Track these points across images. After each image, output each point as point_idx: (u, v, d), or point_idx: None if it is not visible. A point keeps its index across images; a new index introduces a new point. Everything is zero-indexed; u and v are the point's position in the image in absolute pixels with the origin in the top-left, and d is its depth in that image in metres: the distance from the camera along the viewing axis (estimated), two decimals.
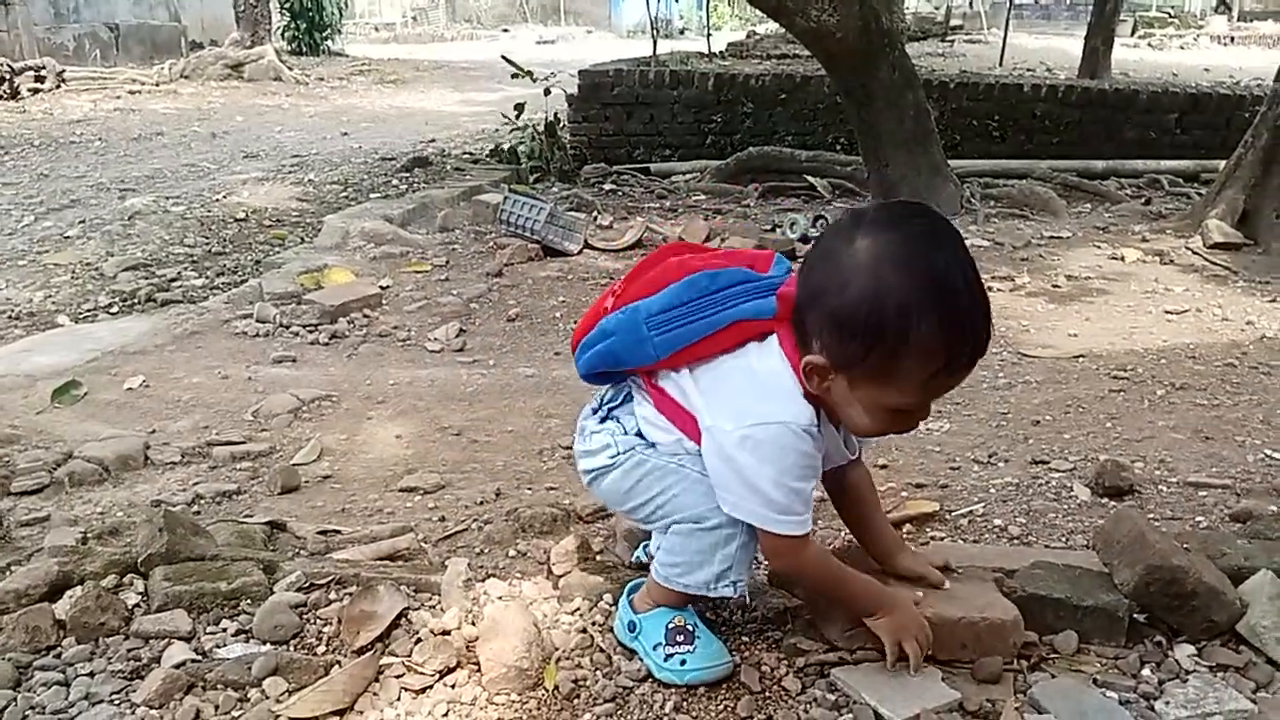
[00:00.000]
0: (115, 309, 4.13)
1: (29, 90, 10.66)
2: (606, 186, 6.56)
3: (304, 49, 15.88)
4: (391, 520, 2.21)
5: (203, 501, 2.32)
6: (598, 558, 1.83)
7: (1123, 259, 4.58)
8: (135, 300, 4.20)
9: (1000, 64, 9.80)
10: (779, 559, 1.46)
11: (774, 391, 1.37)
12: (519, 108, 7.32)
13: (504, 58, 7.35)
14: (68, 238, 5.19)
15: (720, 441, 1.38)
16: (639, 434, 1.52)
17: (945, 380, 1.30)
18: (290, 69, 12.96)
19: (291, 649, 1.59)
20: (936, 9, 14.42)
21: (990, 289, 4.07)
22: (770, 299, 1.41)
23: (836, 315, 1.28)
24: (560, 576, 1.76)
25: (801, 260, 1.42)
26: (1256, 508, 2.11)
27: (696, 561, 1.45)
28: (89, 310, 4.11)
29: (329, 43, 16.37)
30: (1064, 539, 2.02)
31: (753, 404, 1.37)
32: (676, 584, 1.48)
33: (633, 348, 1.46)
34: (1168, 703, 1.42)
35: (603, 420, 1.57)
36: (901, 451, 2.53)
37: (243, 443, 2.64)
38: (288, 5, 15.96)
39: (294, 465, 2.49)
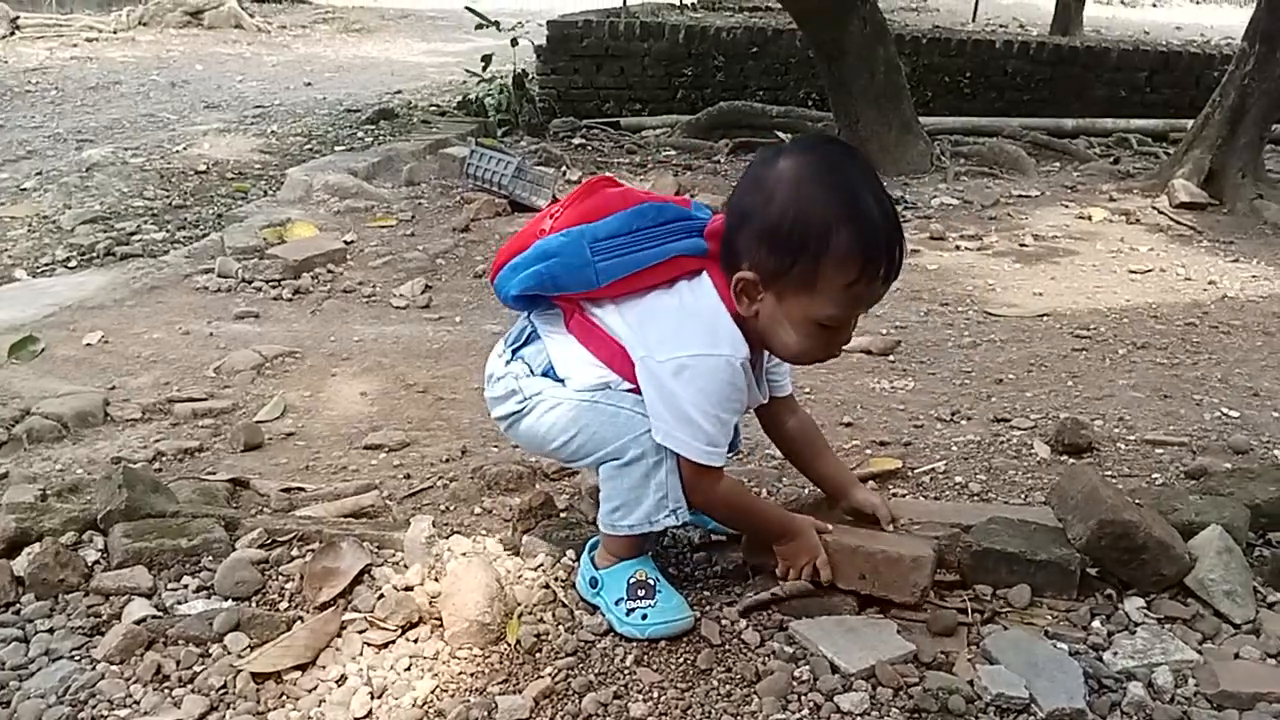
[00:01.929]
0: (73, 263, 4.05)
1: None
2: (575, 141, 6.49)
3: None
4: (356, 478, 2.20)
5: (164, 459, 2.30)
6: (562, 514, 1.84)
7: (1089, 218, 4.61)
8: (94, 254, 4.12)
9: (973, 19, 9.75)
10: (697, 491, 1.48)
11: (712, 325, 1.43)
12: (486, 60, 7.19)
13: (468, 8, 7.19)
14: (24, 190, 5.06)
15: (655, 371, 1.42)
16: (547, 373, 1.53)
17: (864, 291, 1.38)
18: (252, 16, 12.62)
19: (253, 605, 1.59)
20: None
21: (958, 248, 4.17)
22: (700, 238, 1.47)
23: (764, 229, 1.37)
24: (524, 533, 1.76)
25: (730, 190, 1.50)
26: (1211, 465, 2.16)
27: (633, 499, 1.47)
28: (46, 264, 4.03)
29: None
30: (1023, 496, 2.05)
31: (691, 336, 1.42)
32: (622, 528, 1.49)
33: (574, 271, 1.47)
34: (1115, 653, 1.46)
35: (508, 363, 1.58)
36: (866, 410, 2.55)
37: (205, 399, 2.61)
38: None
39: (257, 422, 2.47)
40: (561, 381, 1.51)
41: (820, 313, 1.38)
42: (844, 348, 1.50)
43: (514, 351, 1.58)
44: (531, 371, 1.54)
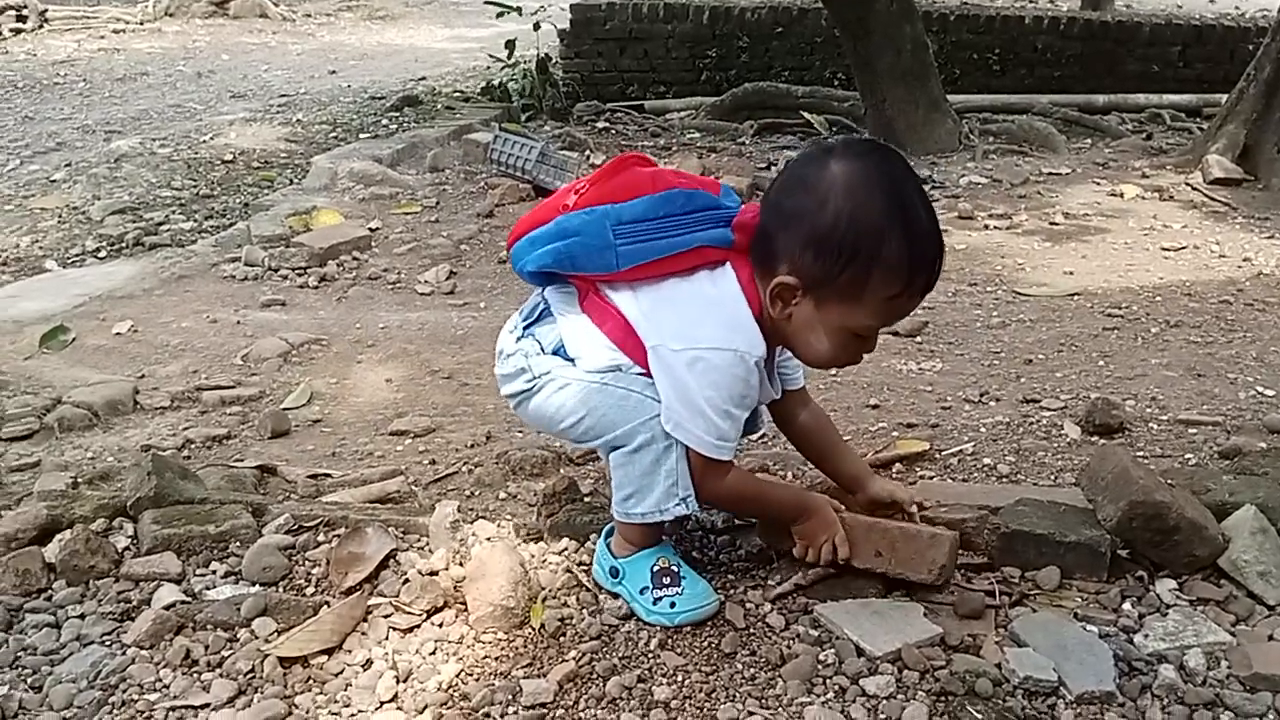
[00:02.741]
0: (103, 253, 4.09)
1: (10, 30, 10.42)
2: (599, 125, 6.46)
3: None
4: (382, 464, 2.22)
5: (193, 446, 2.32)
6: (586, 499, 1.84)
7: (1121, 196, 4.53)
8: (123, 244, 4.17)
9: None
10: (706, 485, 1.45)
11: (732, 319, 1.40)
12: (510, 45, 7.17)
13: (488, 1, 7.18)
14: (54, 181, 5.12)
15: (668, 360, 1.40)
16: (557, 351, 1.50)
17: (904, 303, 1.37)
18: (276, 5, 12.64)
19: (280, 590, 1.60)
20: None
21: (986, 227, 4.12)
22: (727, 229, 1.44)
23: (814, 233, 1.34)
24: (548, 518, 1.76)
25: (768, 187, 1.46)
26: (1245, 444, 2.12)
27: (644, 486, 1.45)
28: (76, 255, 4.08)
29: None
30: (1053, 477, 2.03)
31: (708, 328, 1.40)
32: (635, 516, 1.47)
33: (594, 253, 1.44)
34: (1146, 635, 1.44)
35: (519, 340, 1.54)
36: (893, 391, 2.53)
37: (232, 387, 2.64)
38: None
39: (284, 409, 2.49)
40: (572, 361, 1.49)
41: (859, 323, 1.37)
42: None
43: (526, 328, 1.55)
44: (542, 349, 1.51)
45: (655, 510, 1.46)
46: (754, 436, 1.93)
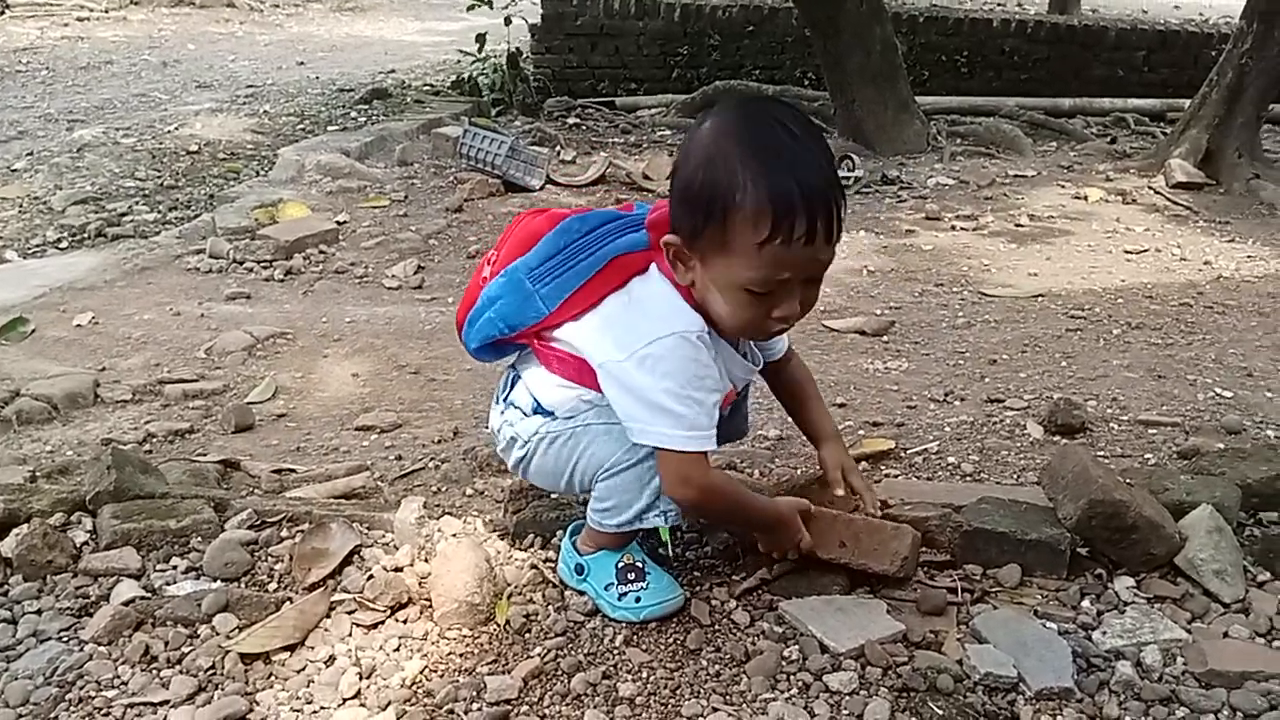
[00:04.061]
0: (64, 244, 4.02)
1: None
2: (570, 120, 6.45)
3: None
4: (347, 459, 2.20)
5: (154, 440, 2.29)
6: (552, 495, 1.83)
7: (1086, 198, 4.60)
8: (84, 235, 4.09)
9: None
10: (685, 486, 1.39)
11: (660, 308, 1.39)
12: (480, 39, 7.13)
13: None
14: (14, 171, 5.02)
15: (615, 374, 1.39)
16: (536, 409, 1.52)
17: (783, 252, 1.27)
18: None
19: (242, 586, 1.58)
20: None
21: (953, 228, 4.15)
22: (642, 232, 1.43)
23: (680, 189, 1.34)
24: (515, 514, 1.76)
25: None
26: (1203, 445, 2.16)
27: (625, 501, 1.45)
28: (37, 245, 4.00)
29: None
30: (1015, 476, 2.05)
31: (642, 325, 1.38)
32: (609, 526, 1.48)
33: (520, 307, 1.46)
34: (1105, 632, 1.46)
35: (503, 413, 1.58)
36: (859, 390, 2.54)
37: (195, 381, 2.60)
38: None
39: (248, 404, 2.46)
40: (552, 414, 1.50)
41: (742, 276, 1.30)
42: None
43: (505, 400, 1.58)
44: (524, 414, 1.53)
45: (634, 520, 1.46)
46: (731, 441, 1.93)
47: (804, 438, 2.22)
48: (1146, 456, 2.17)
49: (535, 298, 1.45)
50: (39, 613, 1.52)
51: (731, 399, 1.56)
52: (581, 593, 1.54)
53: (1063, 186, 4.84)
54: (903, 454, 2.16)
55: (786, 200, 1.25)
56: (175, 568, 1.62)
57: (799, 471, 2.03)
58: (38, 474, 2.00)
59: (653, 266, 1.43)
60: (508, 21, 6.92)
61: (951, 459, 2.14)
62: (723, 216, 1.28)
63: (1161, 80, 7.07)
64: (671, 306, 1.39)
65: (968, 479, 2.05)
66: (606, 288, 1.43)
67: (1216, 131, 4.86)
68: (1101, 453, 2.17)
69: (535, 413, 1.52)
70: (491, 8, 7.04)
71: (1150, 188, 4.69)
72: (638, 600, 1.47)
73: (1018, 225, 4.21)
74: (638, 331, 1.37)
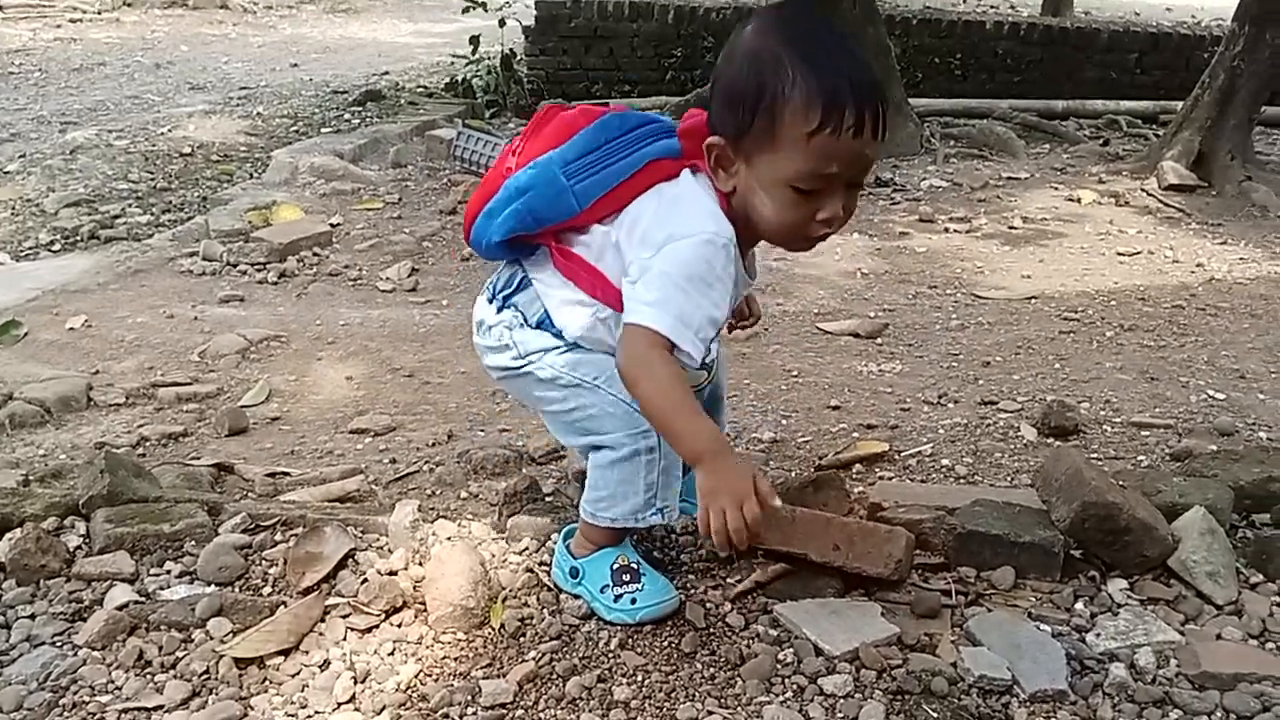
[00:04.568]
0: (57, 246, 4.01)
1: None
2: None
3: None
4: (341, 462, 2.19)
5: (148, 444, 2.29)
6: (547, 499, 1.84)
7: (1079, 201, 4.61)
8: (78, 237, 4.08)
9: (964, 0, 9.72)
10: (636, 365, 1.31)
11: (694, 209, 1.36)
12: (474, 41, 7.13)
13: None
14: (7, 173, 5.00)
15: (640, 267, 1.34)
16: (541, 324, 1.47)
17: (831, 144, 1.25)
18: None
19: (236, 590, 1.58)
20: None
21: (947, 230, 4.16)
22: (675, 139, 1.41)
23: (725, 88, 1.32)
24: (509, 517, 1.76)
25: None
26: (1196, 447, 2.17)
27: (621, 493, 1.45)
28: (29, 248, 3.99)
29: None
30: (1009, 478, 2.06)
31: (672, 223, 1.35)
32: (603, 519, 1.48)
33: (552, 201, 1.41)
34: (1098, 634, 1.47)
35: (499, 311, 1.51)
36: (853, 393, 2.55)
37: (189, 384, 2.60)
38: None
39: (242, 407, 2.46)
40: (559, 333, 1.46)
41: (788, 171, 1.28)
42: (833, 233, 1.36)
43: (505, 299, 1.50)
44: (525, 321, 1.48)
45: (629, 517, 1.46)
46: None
47: (799, 441, 2.25)
48: (1140, 458, 2.18)
49: (569, 193, 1.39)
50: (32, 617, 1.52)
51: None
52: (576, 596, 1.54)
53: (1056, 189, 4.85)
54: (897, 456, 2.17)
55: (836, 91, 1.24)
56: (169, 572, 1.62)
57: (793, 474, 2.03)
58: (31, 478, 1.99)
59: (685, 172, 1.40)
60: (502, 23, 6.92)
61: (945, 461, 2.15)
62: (771, 110, 1.26)
63: (1154, 82, 7.10)
64: (705, 209, 1.36)
65: (962, 481, 2.06)
66: (634, 194, 1.40)
67: (1208, 134, 4.88)
68: (1095, 455, 2.18)
69: (540, 327, 1.47)
70: (486, 10, 7.05)
71: (1143, 190, 4.70)
72: (633, 602, 1.47)
73: (1011, 227, 4.22)
74: (665, 227, 1.34)
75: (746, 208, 1.35)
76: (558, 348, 1.46)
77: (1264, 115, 5.52)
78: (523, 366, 1.48)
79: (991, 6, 9.33)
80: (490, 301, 1.52)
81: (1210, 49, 6.17)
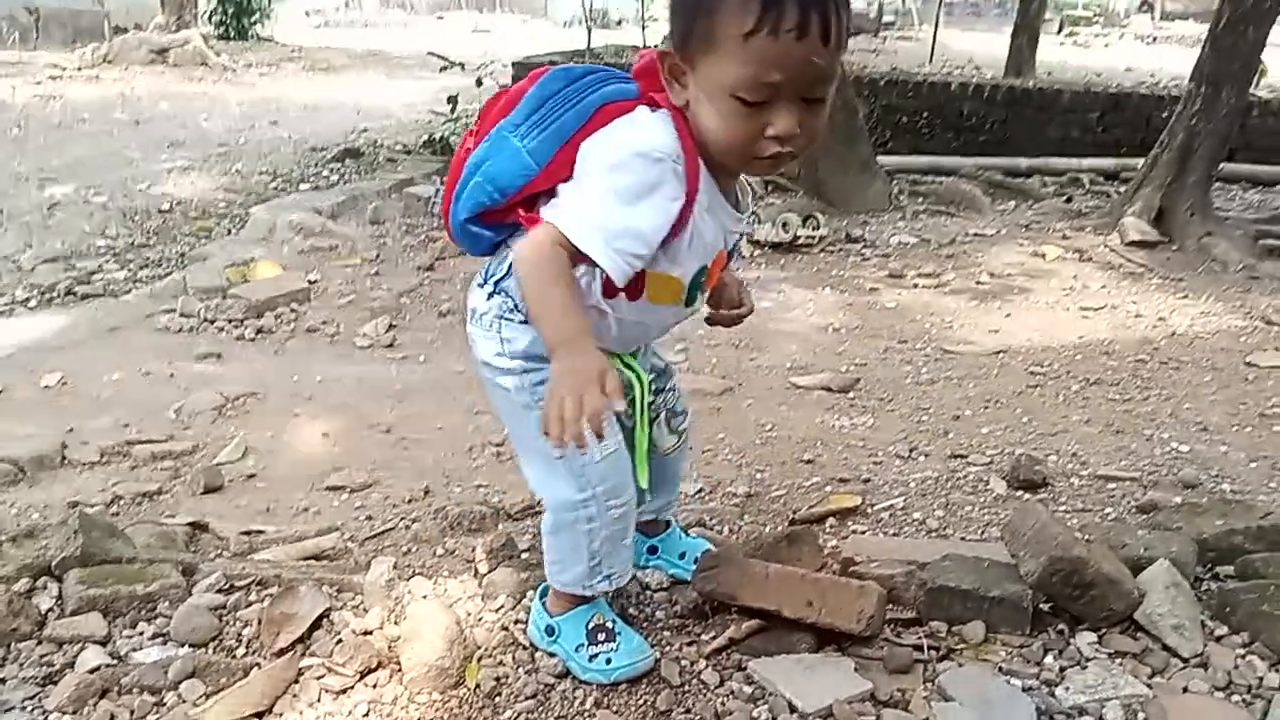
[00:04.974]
0: (33, 303, 4.00)
1: None
2: None
3: (231, 34, 15.41)
4: (317, 520, 2.20)
5: (122, 502, 2.28)
6: (523, 555, 1.84)
7: (1044, 256, 4.71)
8: (54, 294, 4.07)
9: (930, 61, 10.00)
10: (528, 240, 1.28)
11: (637, 129, 1.28)
12: (453, 100, 7.24)
13: (431, 53, 7.24)
14: None
15: (576, 180, 1.30)
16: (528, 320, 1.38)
17: (772, 47, 1.17)
18: (217, 55, 12.58)
19: (210, 651, 1.57)
20: (869, 5, 14.62)
21: (916, 286, 4.24)
22: (629, 83, 1.35)
23: None
24: (485, 574, 1.77)
25: None
26: (1161, 499, 2.21)
27: (569, 560, 1.47)
28: (5, 304, 3.97)
29: (258, 28, 15.90)
30: (980, 531, 2.09)
31: (613, 141, 1.29)
32: (558, 582, 1.50)
33: (509, 165, 1.34)
34: (1068, 689, 1.48)
35: (490, 297, 1.44)
36: (826, 447, 2.58)
37: (164, 441, 2.60)
38: None
39: (217, 464, 2.46)
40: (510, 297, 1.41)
41: (729, 77, 1.19)
42: (786, 154, 1.26)
43: (496, 283, 1.43)
44: (516, 307, 1.40)
45: (579, 584, 1.48)
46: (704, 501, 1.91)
47: (773, 495, 2.27)
48: (1107, 511, 2.21)
49: (522, 153, 1.33)
50: (2, 681, 1.50)
51: (722, 262, 1.45)
52: (552, 654, 1.54)
53: (1021, 245, 4.96)
54: (869, 510, 2.20)
55: None
56: (142, 633, 1.61)
57: (767, 529, 2.05)
58: (3, 538, 1.97)
59: (640, 108, 1.32)
60: (479, 83, 7.04)
61: (917, 514, 2.17)
62: (710, 8, 1.20)
63: (1115, 140, 7.30)
64: (649, 129, 1.27)
65: (933, 534, 2.09)
66: None
67: (1169, 190, 5.02)
68: (1063, 507, 2.22)
69: (526, 321, 1.38)
70: (463, 69, 7.16)
71: (1106, 245, 4.82)
72: (608, 662, 1.48)
73: (978, 283, 4.30)
74: (607, 147, 1.29)
75: (697, 125, 1.27)
76: (541, 369, 1.36)
77: (1222, 172, 5.68)
78: (504, 373, 1.43)
79: (958, 68, 9.60)
80: (482, 286, 1.46)
81: (1169, 108, 6.35)
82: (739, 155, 1.28)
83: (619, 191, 1.25)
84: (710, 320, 1.60)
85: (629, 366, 1.47)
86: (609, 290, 1.36)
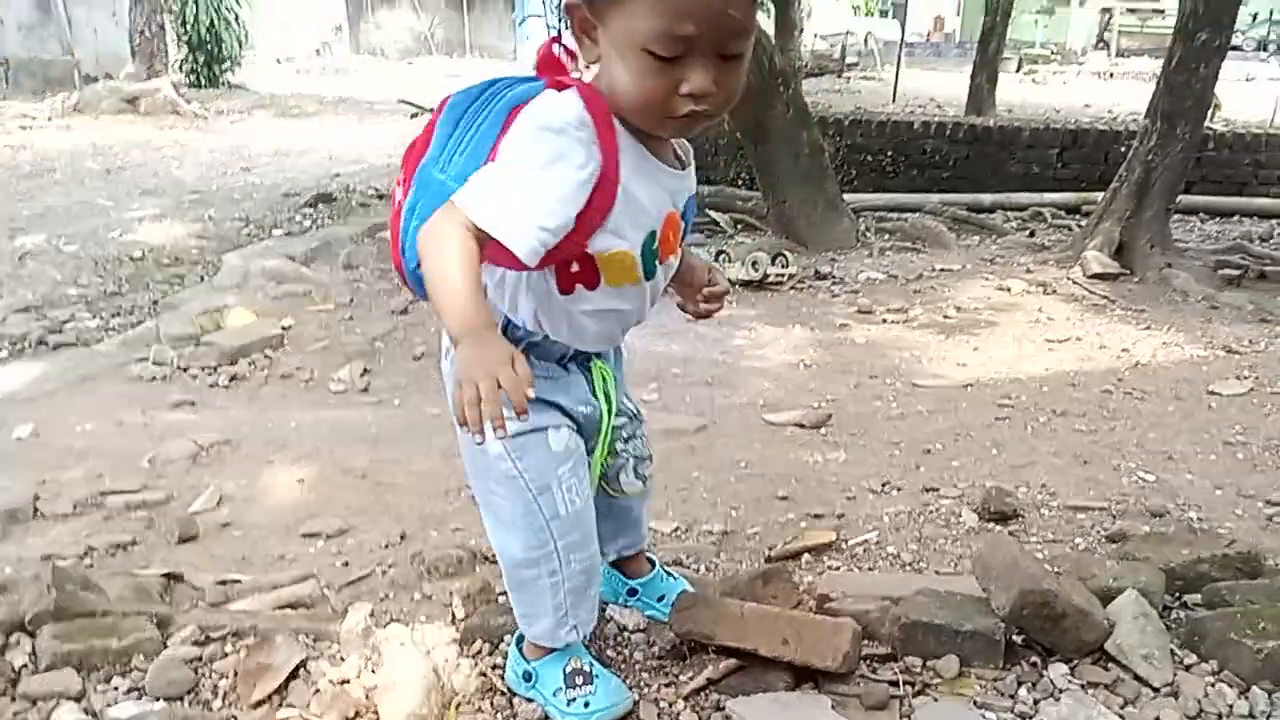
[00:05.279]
0: (4, 354, 3.97)
1: None
2: None
3: (203, 82, 15.45)
4: (293, 567, 2.19)
5: (96, 554, 2.26)
6: (500, 599, 1.84)
7: (1009, 290, 4.80)
8: (26, 344, 4.04)
9: (893, 100, 10.21)
10: (431, 220, 1.22)
11: (535, 108, 1.24)
12: None
13: (401, 100, 7.32)
14: None
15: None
16: (505, 331, 1.35)
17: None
18: (189, 102, 12.60)
19: (186, 705, 1.57)
20: (833, 47, 14.91)
21: (884, 321, 4.30)
22: (534, 81, 1.31)
23: None
24: (463, 620, 1.77)
25: None
26: (1130, 528, 2.25)
27: (535, 612, 1.48)
28: None
29: (229, 75, 15.96)
30: (953, 564, 2.11)
31: (514, 132, 1.24)
32: (529, 634, 1.51)
33: (438, 200, 1.24)
34: None
35: None
36: (800, 483, 2.61)
37: (138, 491, 2.58)
38: (185, 38, 15.53)
39: (192, 513, 2.44)
40: (520, 329, 1.37)
41: (640, 30, 1.15)
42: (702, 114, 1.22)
43: None
44: None
45: (548, 637, 1.49)
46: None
47: (748, 532, 2.29)
48: (1077, 541, 2.25)
49: (447, 182, 1.26)
50: None
51: (675, 225, 1.38)
52: (530, 700, 1.54)
53: (987, 279, 5.05)
54: (844, 545, 2.22)
55: None
56: (117, 688, 1.60)
57: (743, 566, 2.07)
58: None
59: (546, 92, 1.27)
60: None
61: (891, 548, 2.20)
62: None
63: (1074, 175, 7.48)
64: (548, 105, 1.23)
65: (907, 568, 2.11)
66: None
67: (1128, 224, 5.14)
68: (1034, 538, 2.25)
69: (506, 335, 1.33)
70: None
71: (1069, 278, 4.92)
72: (586, 705, 1.48)
73: (945, 317, 4.37)
74: (514, 132, 1.24)
75: (610, 84, 1.23)
76: (513, 418, 1.19)
77: (1180, 204, 5.82)
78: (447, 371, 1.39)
79: (920, 107, 9.81)
80: None
81: (1126, 143, 6.52)
82: (652, 114, 1.23)
83: (521, 165, 1.19)
84: (686, 310, 1.54)
85: (602, 390, 1.46)
86: (566, 285, 1.32)
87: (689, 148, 1.42)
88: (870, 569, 2.11)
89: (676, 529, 2.30)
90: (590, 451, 1.48)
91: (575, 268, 1.31)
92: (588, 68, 1.29)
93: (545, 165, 1.19)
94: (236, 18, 15.90)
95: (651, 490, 1.74)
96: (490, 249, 1.20)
